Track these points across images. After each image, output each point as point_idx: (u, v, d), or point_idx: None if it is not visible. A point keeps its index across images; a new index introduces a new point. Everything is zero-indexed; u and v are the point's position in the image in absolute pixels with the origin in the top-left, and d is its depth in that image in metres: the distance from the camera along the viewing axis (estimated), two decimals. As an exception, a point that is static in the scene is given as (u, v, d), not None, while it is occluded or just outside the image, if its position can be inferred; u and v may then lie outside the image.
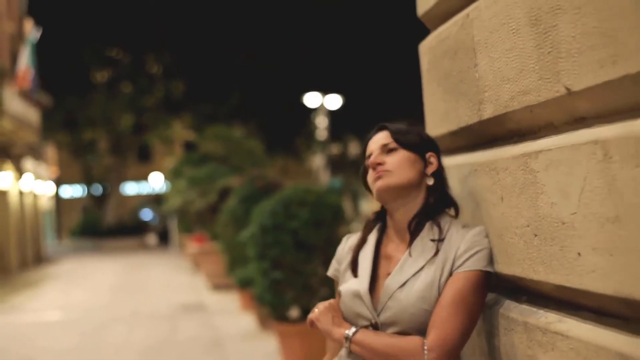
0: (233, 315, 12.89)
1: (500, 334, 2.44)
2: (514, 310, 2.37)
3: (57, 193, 50.87)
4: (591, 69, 1.82)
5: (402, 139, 2.55)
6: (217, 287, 16.73)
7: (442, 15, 2.84)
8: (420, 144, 2.59)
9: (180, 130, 42.36)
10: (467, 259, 2.43)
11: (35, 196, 34.03)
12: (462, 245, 2.45)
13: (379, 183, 2.55)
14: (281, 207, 8.04)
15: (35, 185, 33.26)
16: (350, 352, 2.50)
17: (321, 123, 32.63)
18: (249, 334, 10.89)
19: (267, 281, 8.07)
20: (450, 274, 2.44)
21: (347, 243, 2.80)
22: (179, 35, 35.00)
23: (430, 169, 2.59)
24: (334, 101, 30.84)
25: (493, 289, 2.54)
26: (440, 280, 2.42)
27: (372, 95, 32.53)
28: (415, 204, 2.57)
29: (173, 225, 35.96)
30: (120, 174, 50.75)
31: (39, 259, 32.45)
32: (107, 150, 47.14)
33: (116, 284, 20.82)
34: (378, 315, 2.49)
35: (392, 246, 2.63)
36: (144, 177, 56.08)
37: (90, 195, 53.28)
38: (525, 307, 2.34)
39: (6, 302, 17.61)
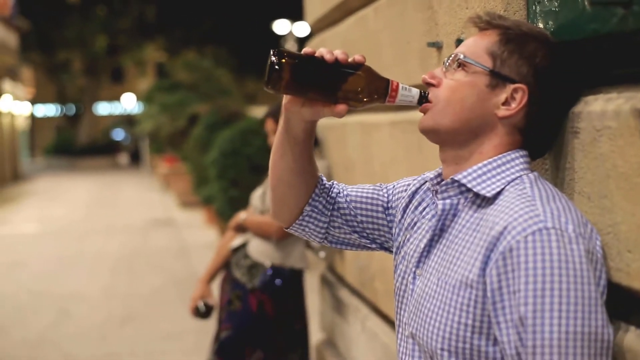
0: (198, 229, 14.58)
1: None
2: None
3: (31, 112, 51.81)
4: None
5: None
6: (185, 204, 18.27)
7: (317, 29, 4.56)
8: None
9: (153, 53, 43.27)
10: None
11: (12, 116, 35.13)
12: None
13: None
14: (238, 135, 9.62)
15: (13, 105, 34.32)
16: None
17: (290, 49, 33.49)
18: (212, 243, 12.53)
19: (226, 198, 9.73)
20: None
21: None
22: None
23: None
24: (302, 28, 31.70)
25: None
26: None
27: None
28: None
29: (144, 146, 37.13)
30: (93, 95, 51.81)
31: (16, 176, 33.60)
32: (81, 71, 48.06)
33: (91, 200, 22.15)
34: (263, 205, 4.26)
35: None
36: (117, 98, 56.73)
37: (64, 114, 54.36)
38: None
39: (-10, 216, 18.97)
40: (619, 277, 1.63)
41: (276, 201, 2.04)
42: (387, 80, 1.74)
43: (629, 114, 1.57)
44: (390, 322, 3.52)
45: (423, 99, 1.76)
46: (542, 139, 1.81)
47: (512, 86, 1.71)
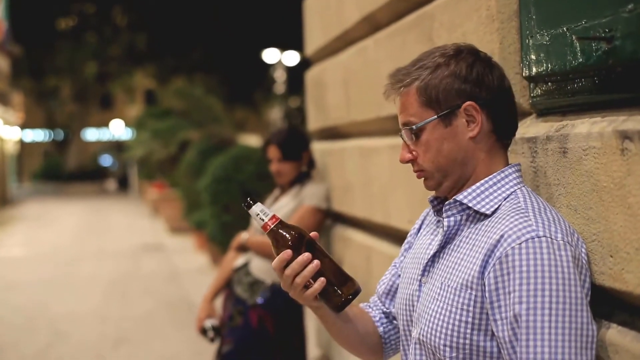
0: (189, 254, 14.69)
1: (335, 243, 4.45)
2: (339, 230, 4.39)
3: (20, 137, 51.78)
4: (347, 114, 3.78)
5: (288, 155, 4.44)
6: (175, 230, 18.38)
7: (317, 59, 4.79)
8: (297, 152, 4.47)
9: (142, 80, 43.35)
10: (308, 198, 4.36)
11: (2, 141, 35.23)
12: (309, 191, 4.38)
13: (277, 180, 4.52)
14: (231, 162, 9.79)
15: (3, 130, 34.42)
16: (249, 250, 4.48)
17: (279, 77, 33.57)
18: (203, 268, 12.69)
19: (218, 223, 9.89)
20: None
21: None
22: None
23: (304, 163, 4.49)
24: (292, 57, 31.70)
25: (334, 219, 4.55)
26: (296, 207, 4.36)
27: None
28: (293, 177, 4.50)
29: (133, 172, 37.23)
30: (82, 121, 51.94)
31: (4, 200, 33.57)
32: (71, 97, 48.16)
33: (80, 225, 22.21)
34: None
35: (283, 196, 4.55)
36: (105, 124, 56.78)
37: (52, 140, 54.40)
38: (345, 228, 4.35)
39: (-21, 240, 19.09)
40: (602, 280, 1.84)
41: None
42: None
43: (611, 135, 1.78)
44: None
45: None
46: (509, 123, 2.00)
47: (461, 109, 1.91)
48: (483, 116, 1.90)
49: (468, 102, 1.89)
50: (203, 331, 4.51)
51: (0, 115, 32.75)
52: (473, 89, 1.90)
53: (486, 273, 1.79)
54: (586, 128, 1.90)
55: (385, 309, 2.24)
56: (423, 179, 2.00)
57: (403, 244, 2.26)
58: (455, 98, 1.89)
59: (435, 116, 1.91)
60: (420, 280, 2.02)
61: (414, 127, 1.93)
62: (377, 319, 2.24)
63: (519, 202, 1.85)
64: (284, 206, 4.47)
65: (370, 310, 2.27)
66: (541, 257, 1.71)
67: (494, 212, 1.88)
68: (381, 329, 2.22)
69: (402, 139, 1.99)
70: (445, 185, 1.97)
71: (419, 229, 2.20)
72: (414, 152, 1.97)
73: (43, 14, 38.65)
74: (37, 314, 9.69)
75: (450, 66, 1.91)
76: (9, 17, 28.52)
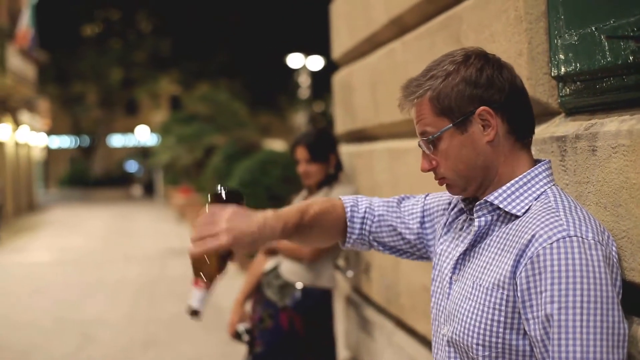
0: (215, 258, 14.75)
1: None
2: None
3: (46, 144, 52.12)
4: (376, 115, 3.82)
5: (315, 156, 4.48)
6: (202, 234, 18.41)
7: (344, 62, 4.84)
8: (325, 154, 4.50)
9: (167, 85, 43.59)
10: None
11: (29, 147, 35.49)
12: (337, 193, 4.42)
13: (305, 181, 4.52)
14: (258, 166, 9.86)
15: (29, 136, 34.67)
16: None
17: (304, 82, 33.58)
18: (229, 273, 12.74)
19: (245, 227, 9.95)
20: None
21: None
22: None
23: (332, 165, 4.52)
24: (316, 62, 31.70)
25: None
26: None
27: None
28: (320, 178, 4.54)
29: (158, 177, 37.41)
30: (108, 127, 52.24)
31: (32, 206, 33.84)
32: (96, 103, 48.49)
33: (106, 230, 22.33)
34: None
35: (311, 198, 4.60)
36: (131, 130, 56.97)
37: (78, 146, 54.76)
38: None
39: (8, 245, 19.19)
40: (632, 276, 1.86)
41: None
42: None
43: (640, 133, 1.81)
44: (415, 335, 3.74)
45: None
46: (526, 122, 2.00)
47: (475, 115, 1.92)
48: (498, 119, 1.91)
49: (481, 108, 1.90)
50: (237, 335, 4.55)
51: (27, 121, 32.99)
52: (485, 93, 1.90)
53: (518, 273, 1.80)
54: (615, 126, 1.92)
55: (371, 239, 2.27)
56: (446, 185, 2.02)
57: (438, 203, 2.25)
58: (468, 104, 1.90)
59: (451, 125, 1.92)
60: (450, 278, 2.04)
61: (430, 137, 1.95)
62: (357, 221, 2.26)
63: (550, 202, 1.87)
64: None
65: (349, 211, 2.27)
66: (572, 256, 1.73)
67: (524, 213, 1.90)
68: (356, 234, 2.26)
69: (421, 148, 2.01)
70: (469, 189, 1.98)
71: (451, 210, 2.19)
72: (433, 162, 1.99)
73: (68, 20, 39.01)
74: (66, 318, 9.78)
75: (460, 73, 1.92)
76: (35, 23, 28.78)
